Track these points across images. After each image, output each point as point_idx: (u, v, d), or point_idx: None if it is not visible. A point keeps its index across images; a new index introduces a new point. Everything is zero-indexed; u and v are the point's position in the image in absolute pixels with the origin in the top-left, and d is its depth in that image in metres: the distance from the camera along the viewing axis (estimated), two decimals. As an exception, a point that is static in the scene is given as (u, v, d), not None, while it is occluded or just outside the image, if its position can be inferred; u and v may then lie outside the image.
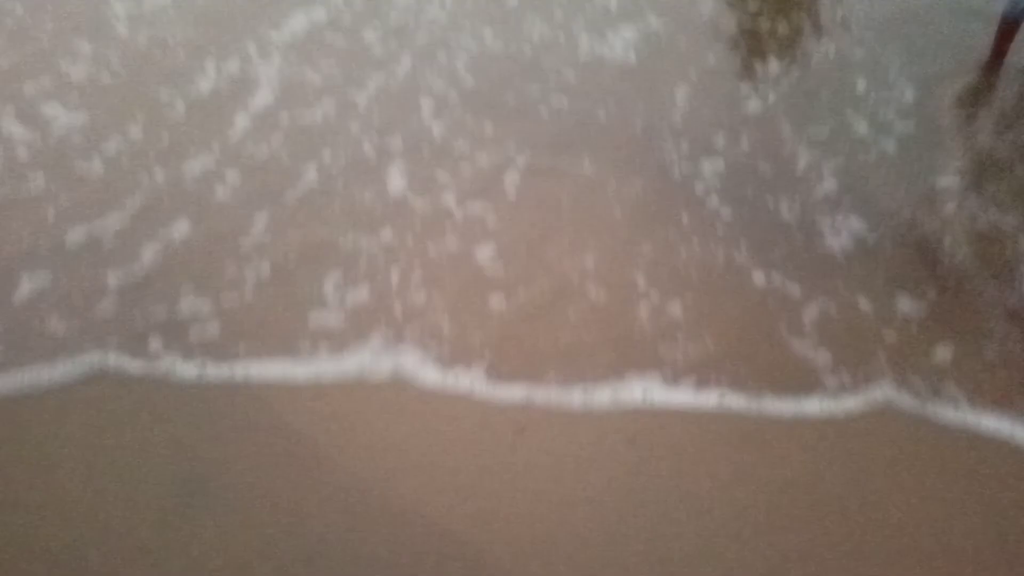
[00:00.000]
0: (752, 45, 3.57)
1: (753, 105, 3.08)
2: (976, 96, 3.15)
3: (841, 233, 2.46)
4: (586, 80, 3.28)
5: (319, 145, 2.85)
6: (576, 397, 1.99)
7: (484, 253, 2.43)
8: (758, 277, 2.34)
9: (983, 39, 3.24)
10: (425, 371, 2.04)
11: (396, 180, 2.70)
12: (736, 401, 1.99)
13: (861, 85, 3.16)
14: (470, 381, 2.02)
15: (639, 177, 2.72)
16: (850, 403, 1.98)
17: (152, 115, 2.99)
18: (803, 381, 2.02)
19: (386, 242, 2.46)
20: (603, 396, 1.99)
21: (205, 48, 3.44)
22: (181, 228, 2.49)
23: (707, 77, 3.31)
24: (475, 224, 2.53)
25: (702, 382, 2.02)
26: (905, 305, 2.23)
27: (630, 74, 3.33)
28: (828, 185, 2.64)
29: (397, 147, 2.86)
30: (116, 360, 2.08)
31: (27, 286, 2.29)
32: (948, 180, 2.66)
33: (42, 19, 3.68)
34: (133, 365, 2.05)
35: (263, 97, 3.12)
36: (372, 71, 3.30)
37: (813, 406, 1.98)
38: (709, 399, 1.99)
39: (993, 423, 1.92)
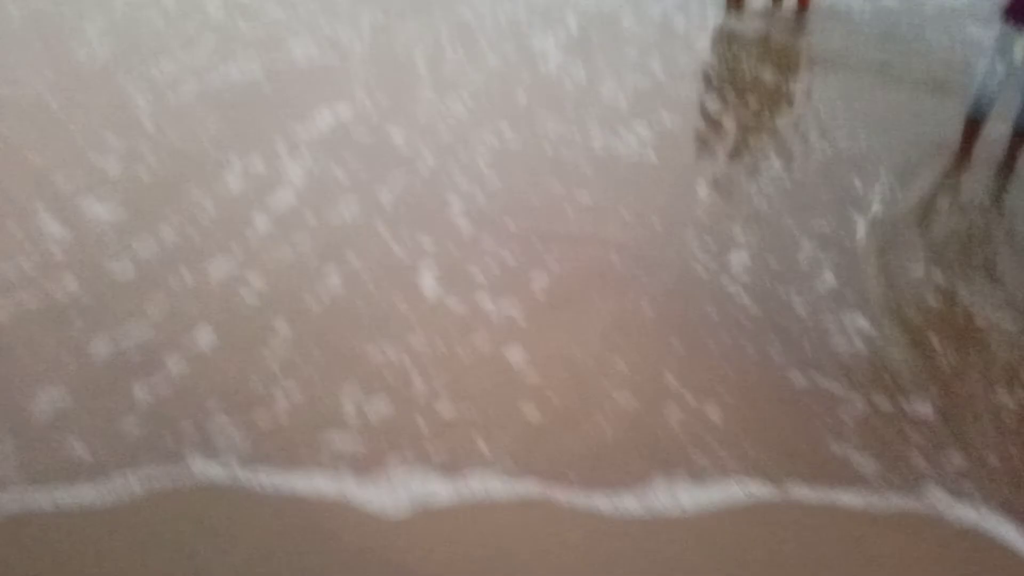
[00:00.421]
0: (753, 140, 3.64)
1: (759, 201, 3.14)
2: (946, 190, 3.25)
3: (848, 331, 2.47)
4: (605, 176, 3.28)
5: (344, 245, 2.80)
6: (605, 501, 1.91)
7: (513, 355, 2.35)
8: (779, 374, 2.30)
9: (953, 124, 3.40)
10: (444, 489, 1.94)
11: (424, 281, 2.64)
12: (764, 493, 1.95)
13: (850, 179, 3.24)
14: (485, 487, 1.94)
15: (665, 272, 2.70)
16: (875, 503, 1.93)
17: (182, 213, 2.95)
18: (833, 479, 1.97)
19: (413, 347, 2.37)
20: (630, 501, 1.93)
21: (232, 143, 3.44)
22: (206, 337, 2.39)
23: (718, 172, 3.38)
24: (503, 325, 2.47)
25: (733, 480, 1.97)
26: (916, 406, 2.21)
27: (647, 169, 3.37)
28: (829, 279, 2.67)
29: (424, 246, 2.80)
30: (146, 477, 1.97)
31: (50, 399, 2.17)
32: (934, 274, 2.70)
33: (74, 113, 3.71)
34: (163, 481, 1.96)
35: (288, 195, 3.09)
36: (397, 168, 3.29)
37: (847, 500, 1.94)
38: (738, 495, 1.94)
39: (999, 526, 1.89)
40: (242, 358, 2.32)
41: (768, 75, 4.28)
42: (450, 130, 3.62)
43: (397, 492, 1.94)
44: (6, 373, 2.25)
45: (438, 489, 1.95)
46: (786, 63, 4.47)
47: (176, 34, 4.75)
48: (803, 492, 1.98)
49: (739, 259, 2.78)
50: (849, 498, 1.97)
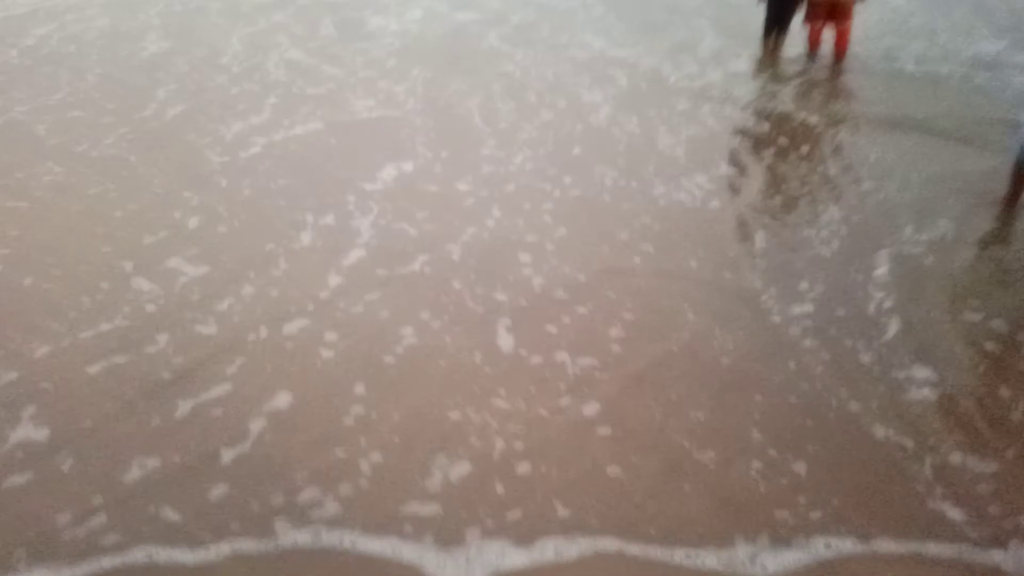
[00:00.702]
0: (808, 189, 3.57)
1: (823, 248, 3.07)
2: (998, 238, 3.18)
3: (917, 381, 2.39)
4: (668, 225, 3.24)
5: (418, 302, 2.76)
6: (687, 560, 1.82)
7: (592, 412, 2.28)
8: (858, 427, 2.21)
9: (1000, 173, 3.34)
10: (521, 557, 1.86)
11: (501, 338, 2.59)
12: (850, 548, 1.86)
13: (904, 227, 3.18)
14: (563, 551, 1.86)
15: (739, 324, 2.62)
16: (963, 557, 1.83)
17: (258, 269, 2.95)
18: (920, 532, 1.89)
19: (492, 406, 2.30)
20: (712, 560, 1.84)
21: (302, 199, 3.46)
22: (287, 400, 2.34)
23: (778, 222, 3.31)
24: (582, 381, 2.40)
25: (818, 536, 1.88)
26: (993, 458, 2.12)
27: (708, 218, 3.31)
28: (895, 327, 2.59)
29: (498, 300, 2.76)
30: (235, 541, 1.92)
31: (141, 463, 2.14)
32: (996, 323, 2.62)
33: (152, 170, 3.79)
34: (251, 545, 1.90)
35: (359, 251, 3.08)
36: (464, 221, 3.28)
37: (935, 554, 1.85)
38: (822, 551, 1.86)
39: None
40: (323, 421, 2.27)
41: (812, 124, 4.22)
42: (512, 182, 3.62)
43: (474, 562, 1.87)
44: (103, 436, 2.23)
45: (516, 557, 1.87)
46: (828, 112, 4.40)
47: (241, 94, 4.94)
48: (889, 547, 1.89)
49: (805, 309, 2.70)
50: (937, 552, 1.87)
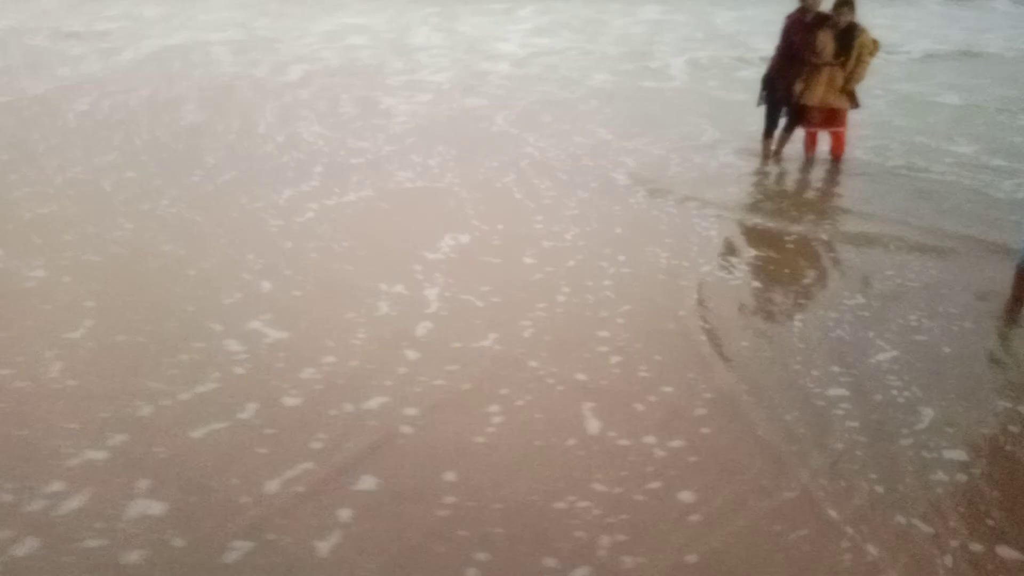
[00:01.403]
0: (818, 291, 3.55)
1: (882, 355, 2.95)
2: (1008, 336, 3.14)
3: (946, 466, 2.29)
4: (718, 301, 3.26)
5: (497, 380, 2.64)
6: None
7: (687, 498, 2.16)
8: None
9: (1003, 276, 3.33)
10: None
11: (588, 421, 2.47)
12: None
13: (917, 324, 3.14)
14: None
15: (787, 403, 2.54)
16: None
17: (339, 339, 2.83)
18: None
19: (590, 493, 2.16)
20: None
21: (369, 264, 3.39)
22: (373, 483, 2.17)
23: (811, 317, 3.25)
24: (672, 463, 2.29)
25: None
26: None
27: (749, 298, 3.36)
28: (927, 415, 2.52)
29: (578, 380, 2.65)
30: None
31: (239, 543, 1.94)
32: (1015, 414, 2.54)
33: (216, 230, 3.71)
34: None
35: (428, 323, 2.99)
36: (533, 297, 3.20)
37: None
38: None
39: None
40: (413, 509, 2.07)
41: (812, 224, 4.25)
42: (571, 257, 3.58)
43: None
44: (202, 509, 2.05)
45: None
46: (827, 215, 4.50)
47: (289, 161, 5.01)
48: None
49: (840, 392, 2.64)
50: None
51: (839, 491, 2.23)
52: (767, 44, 5.47)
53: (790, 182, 5.12)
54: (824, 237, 4.10)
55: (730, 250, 3.85)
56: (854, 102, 4.98)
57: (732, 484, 2.27)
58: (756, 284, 3.54)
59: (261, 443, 2.35)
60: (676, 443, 2.46)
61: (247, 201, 4.19)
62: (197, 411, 2.43)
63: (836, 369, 2.84)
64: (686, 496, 2.25)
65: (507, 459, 2.31)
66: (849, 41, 4.80)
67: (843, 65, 4.84)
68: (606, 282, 3.46)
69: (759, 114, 5.20)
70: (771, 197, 4.80)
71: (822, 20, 4.85)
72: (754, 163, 5.29)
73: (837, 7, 4.78)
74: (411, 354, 2.82)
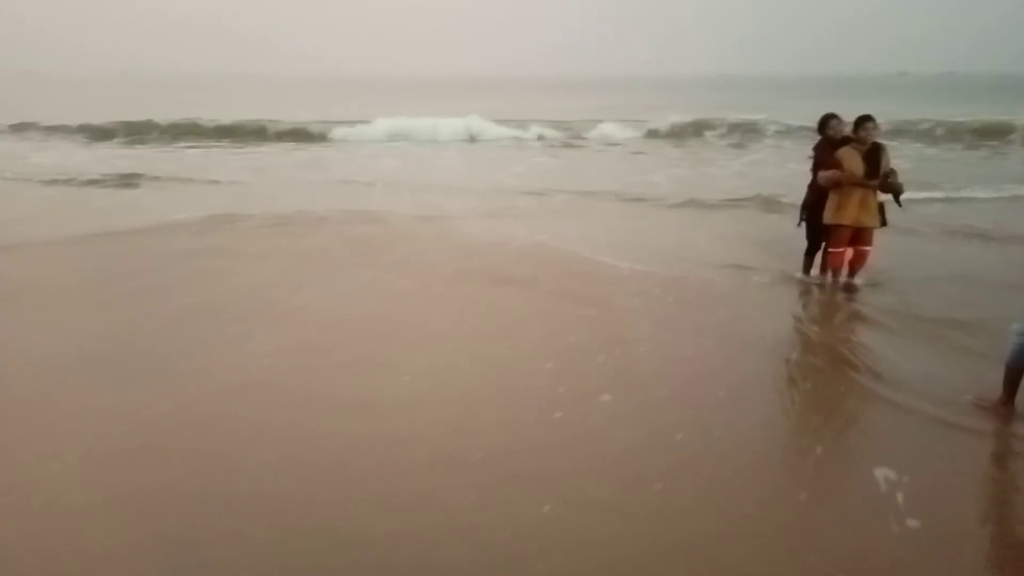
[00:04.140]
0: (843, 401, 3.50)
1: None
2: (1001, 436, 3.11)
3: None
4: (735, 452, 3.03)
5: None
6: None
7: None
8: None
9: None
10: None
11: None
12: None
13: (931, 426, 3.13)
14: None
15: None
16: None
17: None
18: None
19: None
20: None
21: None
22: None
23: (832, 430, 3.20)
24: None
25: None
26: None
27: (769, 437, 3.21)
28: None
29: None
30: None
31: None
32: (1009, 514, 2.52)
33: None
34: None
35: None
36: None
37: None
38: None
39: None
40: None
41: (842, 334, 4.20)
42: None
43: None
44: None
45: None
46: (855, 329, 4.44)
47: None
48: None
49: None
50: None
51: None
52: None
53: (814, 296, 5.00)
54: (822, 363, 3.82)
55: (751, 377, 3.69)
56: (883, 219, 4.99)
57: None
58: (776, 424, 3.38)
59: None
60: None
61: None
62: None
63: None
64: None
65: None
66: (876, 160, 4.84)
67: (873, 187, 4.86)
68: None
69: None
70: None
71: (846, 140, 4.95)
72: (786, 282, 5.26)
73: (859, 122, 4.82)
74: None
